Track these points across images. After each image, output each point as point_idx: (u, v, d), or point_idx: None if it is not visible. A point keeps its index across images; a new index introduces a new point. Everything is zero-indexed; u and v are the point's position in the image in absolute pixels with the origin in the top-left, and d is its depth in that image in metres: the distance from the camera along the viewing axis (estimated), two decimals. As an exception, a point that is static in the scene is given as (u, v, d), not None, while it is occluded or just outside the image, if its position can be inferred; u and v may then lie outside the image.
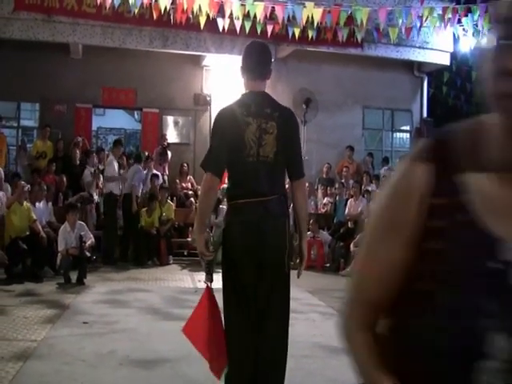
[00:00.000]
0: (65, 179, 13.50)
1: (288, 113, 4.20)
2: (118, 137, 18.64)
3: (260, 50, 4.14)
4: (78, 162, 14.25)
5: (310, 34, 13.15)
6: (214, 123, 4.07)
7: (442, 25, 11.68)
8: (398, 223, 1.35)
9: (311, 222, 12.97)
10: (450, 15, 11.28)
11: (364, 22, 11.30)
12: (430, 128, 18.62)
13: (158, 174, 14.22)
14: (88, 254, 10.26)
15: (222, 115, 4.06)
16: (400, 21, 12.16)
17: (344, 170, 15.40)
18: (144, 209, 13.05)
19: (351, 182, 14.40)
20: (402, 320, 1.38)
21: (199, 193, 3.90)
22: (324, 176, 15.84)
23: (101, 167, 13.83)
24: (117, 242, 12.92)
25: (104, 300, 8.65)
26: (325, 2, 12.98)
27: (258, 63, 4.05)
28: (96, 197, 13.41)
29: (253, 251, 3.92)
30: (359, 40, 13.59)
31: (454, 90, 19.50)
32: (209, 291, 4.02)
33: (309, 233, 12.79)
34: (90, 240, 10.50)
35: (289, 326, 4.10)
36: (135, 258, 12.75)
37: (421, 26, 12.87)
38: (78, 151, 14.37)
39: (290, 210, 4.46)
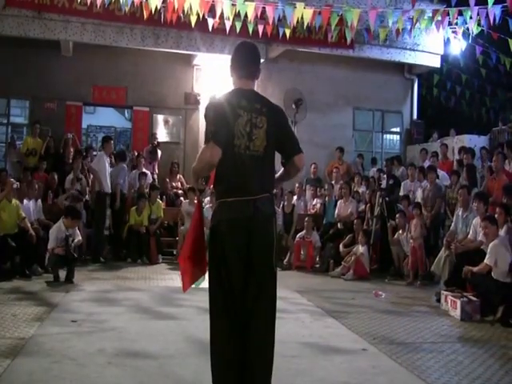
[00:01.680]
0: (56, 177, 13.45)
1: (277, 108, 4.27)
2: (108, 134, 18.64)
3: (249, 50, 4.17)
4: (70, 161, 14.15)
5: (301, 34, 13.15)
6: (206, 111, 3.96)
7: (434, 27, 11.70)
8: None
9: (306, 220, 12.99)
10: (439, 17, 11.30)
11: (355, 23, 11.31)
12: (420, 130, 18.70)
13: (147, 172, 14.20)
14: (75, 254, 10.18)
15: (212, 103, 4.01)
16: (391, 22, 12.18)
17: (334, 170, 15.41)
18: (133, 207, 13.04)
19: (341, 182, 14.40)
20: None
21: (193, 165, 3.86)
22: (312, 176, 15.84)
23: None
24: (105, 241, 12.92)
25: (93, 298, 8.63)
26: (315, 2, 13.00)
27: (247, 62, 4.09)
28: (87, 195, 13.35)
29: (242, 250, 3.91)
30: (349, 41, 13.60)
31: (445, 92, 19.57)
32: (199, 206, 4.29)
33: (301, 233, 12.86)
34: (77, 239, 10.45)
35: (275, 324, 4.14)
36: (124, 257, 12.76)
37: (411, 28, 12.90)
38: (71, 149, 14.31)
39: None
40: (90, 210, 13.10)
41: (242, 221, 3.88)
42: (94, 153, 14.64)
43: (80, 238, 10.67)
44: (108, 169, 12.79)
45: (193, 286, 4.20)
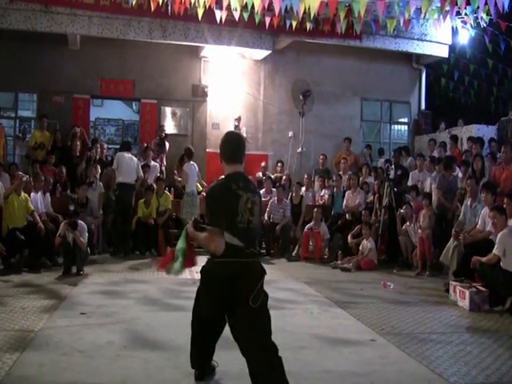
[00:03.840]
0: (64, 170, 13.48)
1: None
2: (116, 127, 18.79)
3: (236, 140, 4.76)
4: (77, 154, 14.22)
5: (308, 25, 13.10)
6: (209, 195, 4.54)
7: (441, 17, 11.62)
8: None
9: (315, 211, 13.00)
10: (448, 7, 11.23)
11: (362, 13, 11.24)
12: (428, 120, 18.62)
13: (150, 164, 14.23)
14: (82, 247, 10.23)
15: (215, 188, 4.52)
16: (398, 13, 12.11)
17: (342, 161, 15.38)
18: (141, 200, 13.05)
19: (349, 173, 14.37)
20: None
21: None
22: (320, 167, 15.84)
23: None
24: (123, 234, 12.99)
25: (102, 291, 8.66)
26: (323, -7, 12.94)
27: (236, 150, 4.66)
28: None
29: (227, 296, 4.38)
30: (357, 32, 13.54)
31: (453, 82, 19.47)
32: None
33: (310, 224, 12.87)
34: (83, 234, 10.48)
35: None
36: (133, 249, 12.80)
37: (419, 19, 12.82)
38: (78, 143, 14.34)
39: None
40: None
41: (234, 276, 4.35)
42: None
43: (86, 233, 10.69)
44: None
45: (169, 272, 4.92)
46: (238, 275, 4.32)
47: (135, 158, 13.36)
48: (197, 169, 13.76)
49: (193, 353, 4.85)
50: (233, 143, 4.68)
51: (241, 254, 4.37)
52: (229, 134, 4.84)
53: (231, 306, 4.35)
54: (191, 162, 13.60)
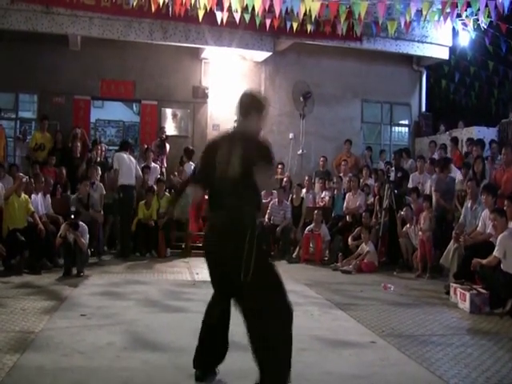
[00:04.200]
0: (64, 172, 13.48)
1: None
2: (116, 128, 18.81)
3: (243, 95, 4.81)
4: (78, 155, 14.24)
5: (309, 27, 13.11)
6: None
7: (442, 19, 11.62)
8: None
9: (315, 213, 13.00)
10: (448, 9, 11.23)
11: (362, 15, 11.24)
12: (429, 122, 18.63)
13: (150, 166, 14.24)
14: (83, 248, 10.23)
15: (207, 144, 4.94)
16: (399, 15, 12.11)
17: (342, 163, 15.39)
18: (142, 201, 13.06)
19: (349, 175, 14.38)
20: None
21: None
22: (321, 169, 15.84)
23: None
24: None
25: (102, 292, 8.66)
26: (323, -5, 12.94)
27: (240, 105, 4.73)
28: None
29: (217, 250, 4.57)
30: (358, 34, 13.56)
31: (453, 84, 19.48)
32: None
33: (310, 226, 12.87)
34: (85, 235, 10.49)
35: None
36: (133, 250, 12.79)
37: (420, 21, 12.83)
38: (78, 144, 14.36)
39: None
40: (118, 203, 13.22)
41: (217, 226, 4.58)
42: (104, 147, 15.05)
43: (87, 235, 10.70)
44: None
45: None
46: (221, 228, 4.48)
47: (133, 158, 13.36)
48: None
49: (196, 352, 4.81)
50: (240, 97, 4.79)
51: (221, 205, 4.50)
52: (244, 92, 4.92)
53: (228, 271, 4.49)
54: (190, 163, 13.62)
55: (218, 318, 4.77)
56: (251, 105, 4.73)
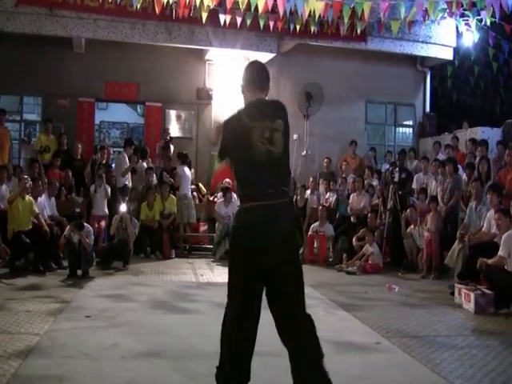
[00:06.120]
0: (70, 174, 13.52)
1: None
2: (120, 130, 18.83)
3: (260, 67, 4.44)
4: (79, 157, 14.35)
5: (313, 27, 13.11)
6: (223, 129, 4.27)
7: (446, 14, 11.64)
8: None
9: (320, 209, 13.02)
10: (454, 9, 11.23)
11: (366, 15, 11.24)
12: (433, 123, 18.59)
13: (153, 167, 14.35)
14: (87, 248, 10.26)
15: (228, 122, 4.25)
16: (403, 15, 12.10)
17: (343, 163, 15.41)
18: (144, 203, 13.08)
19: (353, 176, 14.38)
20: None
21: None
22: (325, 170, 15.82)
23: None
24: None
25: (107, 294, 8.66)
26: (327, -5, 12.94)
27: (254, 77, 4.35)
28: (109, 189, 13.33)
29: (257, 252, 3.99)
30: (359, 33, 13.56)
31: (457, 84, 19.45)
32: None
33: (315, 224, 12.86)
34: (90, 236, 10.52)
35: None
36: (137, 252, 12.78)
37: (424, 20, 12.82)
38: (79, 145, 14.45)
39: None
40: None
41: (258, 223, 4.00)
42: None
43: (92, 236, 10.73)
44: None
45: None
46: (260, 223, 3.95)
47: (127, 158, 13.57)
48: (188, 173, 13.90)
49: (222, 365, 4.28)
50: (255, 69, 4.41)
51: (263, 196, 4.01)
52: (251, 62, 4.56)
53: (262, 265, 3.98)
54: (184, 167, 13.68)
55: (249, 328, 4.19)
56: (268, 77, 4.41)
